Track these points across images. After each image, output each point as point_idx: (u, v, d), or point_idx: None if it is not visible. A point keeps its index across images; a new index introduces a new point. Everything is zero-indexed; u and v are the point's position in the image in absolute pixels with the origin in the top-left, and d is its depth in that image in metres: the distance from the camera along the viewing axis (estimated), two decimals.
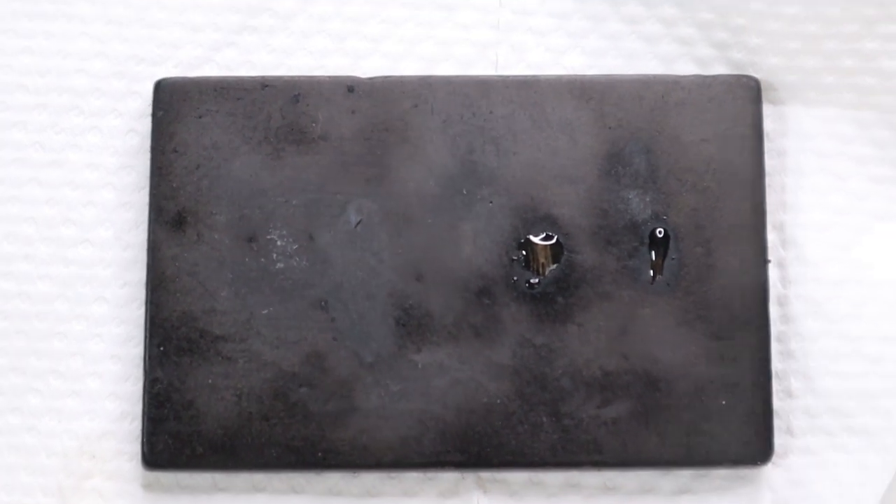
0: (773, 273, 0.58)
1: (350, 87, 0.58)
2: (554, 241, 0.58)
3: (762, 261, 0.57)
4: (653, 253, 0.58)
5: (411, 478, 0.58)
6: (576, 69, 0.60)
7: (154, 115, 0.58)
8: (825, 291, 0.59)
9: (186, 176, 0.58)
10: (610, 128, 0.58)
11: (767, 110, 0.59)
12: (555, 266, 0.57)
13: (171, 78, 0.59)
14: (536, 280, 0.57)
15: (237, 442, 0.56)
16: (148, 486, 0.58)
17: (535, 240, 0.57)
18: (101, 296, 0.59)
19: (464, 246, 0.57)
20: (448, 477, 0.58)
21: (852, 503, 0.57)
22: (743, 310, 0.57)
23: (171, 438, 0.56)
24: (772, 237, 0.59)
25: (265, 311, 0.57)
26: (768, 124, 0.59)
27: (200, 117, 0.58)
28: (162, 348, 0.57)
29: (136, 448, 0.58)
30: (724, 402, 0.57)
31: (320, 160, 0.58)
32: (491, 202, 0.57)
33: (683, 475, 0.58)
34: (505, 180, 0.58)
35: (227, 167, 0.58)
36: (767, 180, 0.59)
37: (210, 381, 0.57)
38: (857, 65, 0.59)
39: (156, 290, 0.57)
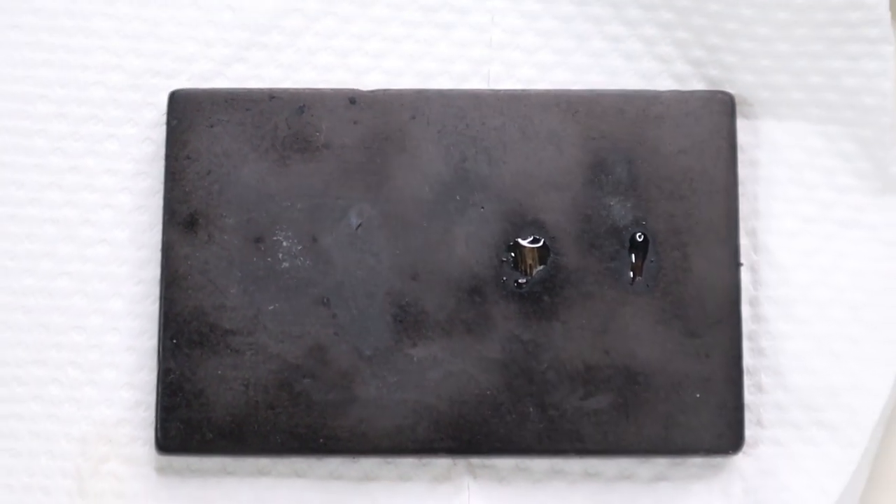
0: (745, 276, 0.59)
1: (352, 100, 0.58)
2: (541, 244, 0.58)
3: (735, 264, 0.58)
4: (633, 256, 0.58)
5: (406, 463, 0.58)
6: (562, 84, 0.60)
7: (168, 124, 0.59)
8: (794, 294, 0.59)
9: (198, 181, 0.58)
10: (594, 139, 0.58)
11: (741, 124, 0.59)
12: (541, 267, 0.58)
13: (184, 89, 0.59)
14: (524, 280, 0.58)
15: (244, 428, 0.57)
16: (161, 470, 0.58)
17: (524, 243, 0.58)
18: (118, 292, 0.59)
19: (457, 248, 0.58)
20: (441, 463, 0.58)
21: (818, 492, 0.57)
22: (716, 309, 0.57)
23: (182, 425, 0.57)
24: (744, 242, 0.59)
25: (271, 308, 0.57)
26: (742, 137, 0.59)
27: (212, 126, 0.58)
28: (175, 341, 0.57)
29: (149, 434, 0.58)
30: (698, 396, 0.57)
31: (323, 167, 0.58)
32: (482, 207, 0.58)
33: (660, 463, 0.58)
34: (496, 187, 0.58)
35: (237, 173, 0.58)
36: (740, 189, 0.59)
37: (219, 371, 0.57)
38: (824, 82, 0.59)
39: (169, 286, 0.57)
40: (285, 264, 0.58)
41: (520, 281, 0.58)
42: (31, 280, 0.59)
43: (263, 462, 0.58)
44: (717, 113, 0.59)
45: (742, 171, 0.59)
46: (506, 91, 0.59)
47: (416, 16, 0.61)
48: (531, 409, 0.57)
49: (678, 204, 0.58)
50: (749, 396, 0.58)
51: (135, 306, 0.59)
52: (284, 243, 0.58)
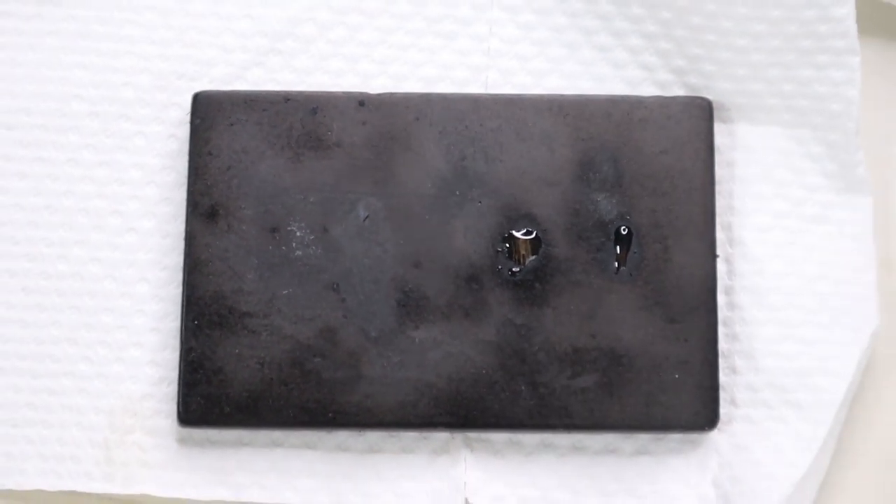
0: (720, 267, 0.59)
1: (361, 102, 0.59)
2: (533, 235, 0.58)
3: (712, 256, 0.58)
4: (617, 247, 0.58)
5: (408, 436, 0.59)
6: (554, 89, 0.61)
7: (192, 122, 0.59)
8: (766, 283, 0.59)
9: (219, 175, 0.58)
10: (583, 140, 0.59)
11: (718, 127, 0.60)
12: (534, 257, 0.58)
13: (207, 91, 0.59)
14: (518, 269, 0.58)
15: (260, 403, 0.57)
16: (182, 441, 0.59)
17: (517, 234, 0.58)
18: (144, 277, 0.60)
19: (456, 239, 0.58)
20: (440, 436, 0.59)
21: (787, 466, 0.58)
22: (694, 297, 0.58)
23: (202, 400, 0.57)
24: (720, 236, 0.59)
25: (285, 292, 0.58)
26: (719, 139, 0.60)
27: (232, 125, 0.59)
28: (196, 322, 0.57)
29: (172, 408, 0.58)
30: (677, 376, 0.57)
31: (334, 164, 0.58)
32: (480, 202, 0.58)
33: (642, 438, 0.59)
34: (492, 183, 0.58)
35: (254, 168, 0.58)
36: (717, 187, 0.59)
37: (237, 350, 0.57)
38: (795, 89, 0.59)
39: (191, 272, 0.58)
40: (298, 252, 0.58)
41: (513, 270, 0.58)
42: (64, 265, 0.60)
43: (277, 434, 0.59)
44: (697, 117, 0.59)
45: (719, 170, 0.60)
46: (502, 95, 0.59)
47: (420, 26, 0.61)
48: (523, 388, 0.57)
49: (660, 200, 0.58)
50: (724, 377, 0.59)
51: (159, 290, 0.60)
52: (298, 233, 0.58)
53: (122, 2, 0.62)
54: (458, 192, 0.59)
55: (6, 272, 0.60)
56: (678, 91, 0.61)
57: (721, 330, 0.59)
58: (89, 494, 0.59)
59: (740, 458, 0.59)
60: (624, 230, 0.59)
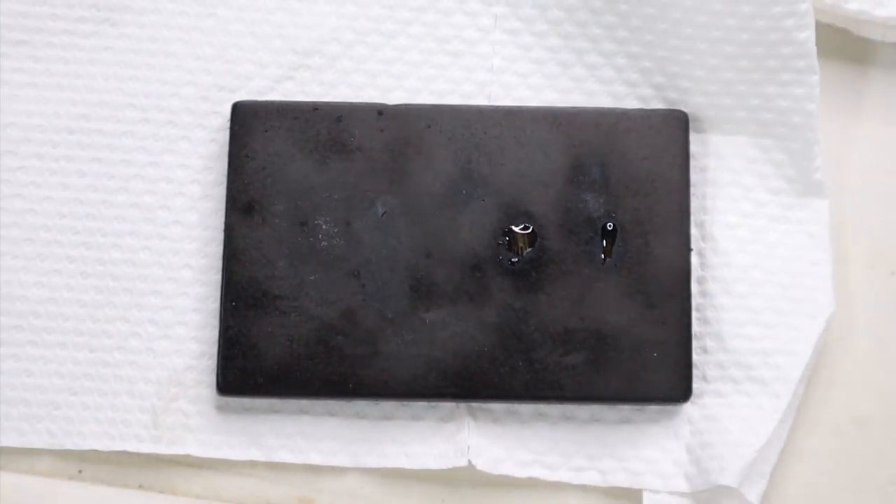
0: (694, 259, 0.60)
1: (380, 112, 0.59)
2: (530, 230, 0.59)
3: (686, 249, 0.59)
4: (604, 241, 0.59)
5: (419, 406, 0.59)
6: (550, 102, 0.61)
7: (231, 129, 0.59)
8: (734, 274, 0.59)
9: (255, 175, 0.59)
10: (574, 147, 0.59)
11: (693, 137, 0.60)
12: (530, 249, 0.59)
13: (244, 101, 0.60)
14: (516, 259, 0.59)
15: (289, 375, 0.57)
16: (220, 408, 0.59)
17: (516, 229, 0.59)
18: (188, 264, 0.60)
19: (462, 233, 0.59)
20: (446, 406, 0.59)
21: (750, 434, 0.58)
22: (671, 286, 0.58)
23: (239, 372, 0.58)
24: (694, 232, 0.60)
25: (312, 278, 0.58)
26: (694, 147, 0.60)
27: (266, 131, 0.59)
28: (233, 304, 0.58)
29: (212, 379, 0.59)
30: (655, 355, 0.58)
31: (356, 166, 0.59)
32: (483, 200, 0.59)
33: (624, 409, 0.59)
34: (494, 184, 0.59)
35: (286, 169, 0.59)
36: (692, 189, 0.59)
37: (269, 329, 0.58)
38: (761, 103, 0.59)
39: (230, 260, 0.58)
40: (324, 243, 0.58)
41: (513, 260, 0.59)
42: (118, 253, 0.61)
43: (303, 403, 0.59)
44: (674, 128, 0.59)
45: (693, 175, 0.60)
46: (504, 107, 0.60)
47: (432, 46, 0.62)
48: (520, 363, 0.58)
49: (641, 200, 0.59)
50: (696, 356, 0.59)
51: (201, 275, 0.60)
52: (323, 226, 0.59)
53: (171, 22, 0.62)
54: (464, 192, 0.59)
55: (67, 258, 0.61)
56: (658, 104, 0.61)
57: (694, 315, 0.59)
58: (138, 454, 0.60)
59: (710, 427, 0.59)
60: (610, 226, 0.59)
